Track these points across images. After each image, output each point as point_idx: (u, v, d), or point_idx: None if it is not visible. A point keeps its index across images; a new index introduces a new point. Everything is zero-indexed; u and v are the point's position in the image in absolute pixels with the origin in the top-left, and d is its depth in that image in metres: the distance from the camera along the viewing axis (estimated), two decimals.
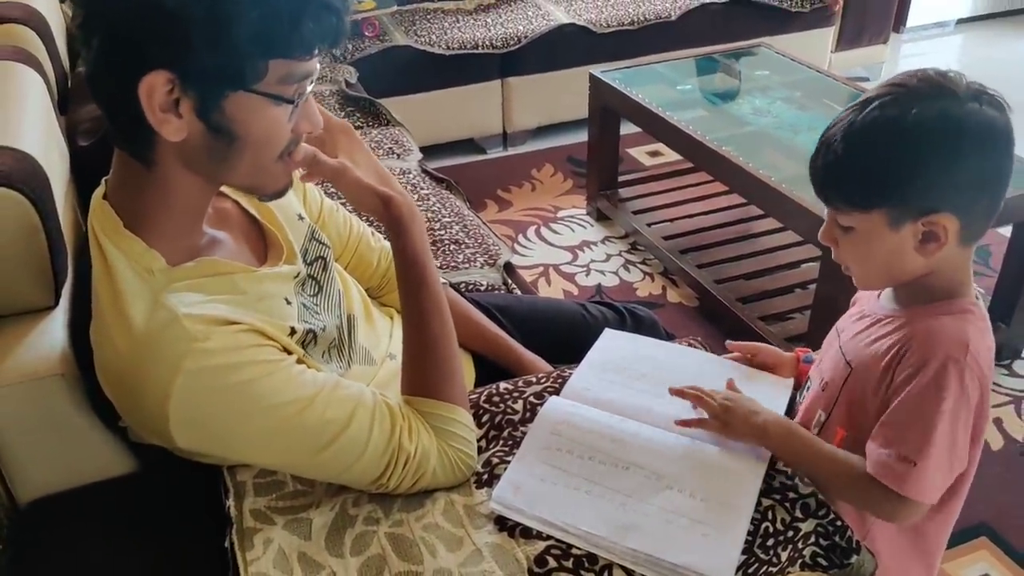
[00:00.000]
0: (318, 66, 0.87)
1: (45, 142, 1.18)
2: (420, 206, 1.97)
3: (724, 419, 1.01)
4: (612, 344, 1.23)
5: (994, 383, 2.02)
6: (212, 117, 0.82)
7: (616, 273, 2.52)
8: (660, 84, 2.61)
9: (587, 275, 2.51)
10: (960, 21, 4.34)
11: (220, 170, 0.87)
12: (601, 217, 2.76)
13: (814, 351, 1.18)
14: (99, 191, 0.92)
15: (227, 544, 0.93)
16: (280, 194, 0.94)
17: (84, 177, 1.36)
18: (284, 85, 0.84)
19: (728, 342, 1.20)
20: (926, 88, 0.87)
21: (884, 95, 0.88)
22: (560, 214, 2.82)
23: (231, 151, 0.85)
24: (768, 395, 1.12)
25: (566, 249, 2.64)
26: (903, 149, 0.86)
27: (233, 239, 0.99)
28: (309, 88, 0.87)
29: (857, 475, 0.95)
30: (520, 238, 2.68)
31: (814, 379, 1.08)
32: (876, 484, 0.93)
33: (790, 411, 1.11)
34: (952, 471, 0.93)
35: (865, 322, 1.01)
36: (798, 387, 1.15)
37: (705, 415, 1.03)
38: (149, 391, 0.84)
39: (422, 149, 2.36)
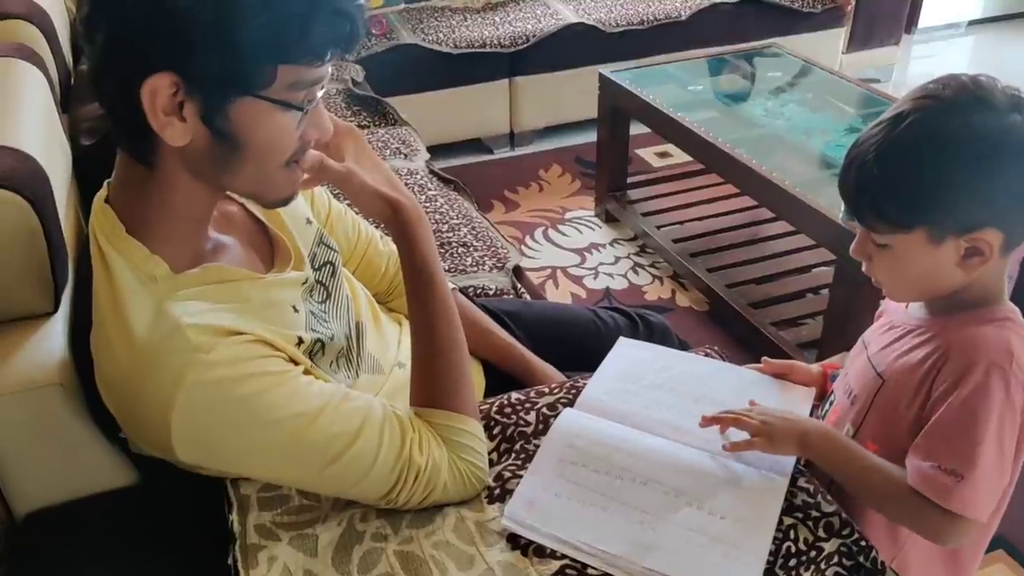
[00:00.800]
0: (330, 71, 0.84)
1: (46, 142, 1.15)
2: (427, 207, 1.94)
3: (767, 433, 0.96)
4: (627, 353, 1.20)
5: None
6: (217, 122, 0.79)
7: (625, 276, 2.49)
8: (670, 84, 2.58)
9: (595, 278, 2.48)
10: (972, 23, 4.30)
11: (223, 176, 0.84)
12: (610, 219, 2.73)
13: (831, 358, 1.15)
14: (101, 194, 0.90)
15: (230, 561, 0.90)
16: (285, 202, 0.91)
17: (86, 177, 1.33)
18: (293, 91, 0.80)
19: (764, 359, 1.17)
20: (963, 100, 0.83)
21: (917, 109, 0.84)
22: (568, 215, 2.79)
23: (235, 158, 0.82)
24: (788, 404, 1.08)
25: (574, 251, 2.60)
26: (944, 167, 0.82)
27: (239, 244, 0.96)
28: (319, 94, 0.84)
29: (901, 487, 0.90)
30: (527, 240, 2.65)
31: (839, 392, 1.04)
32: (921, 498, 0.89)
33: None
34: (1001, 483, 0.89)
35: (895, 333, 0.97)
36: (821, 398, 1.11)
37: (745, 435, 0.98)
38: (151, 403, 0.82)
39: (428, 149, 2.33)
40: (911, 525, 0.94)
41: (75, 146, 1.38)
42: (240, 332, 0.84)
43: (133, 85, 0.76)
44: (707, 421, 1.00)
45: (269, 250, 1.01)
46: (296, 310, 0.94)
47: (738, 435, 0.99)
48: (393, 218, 0.98)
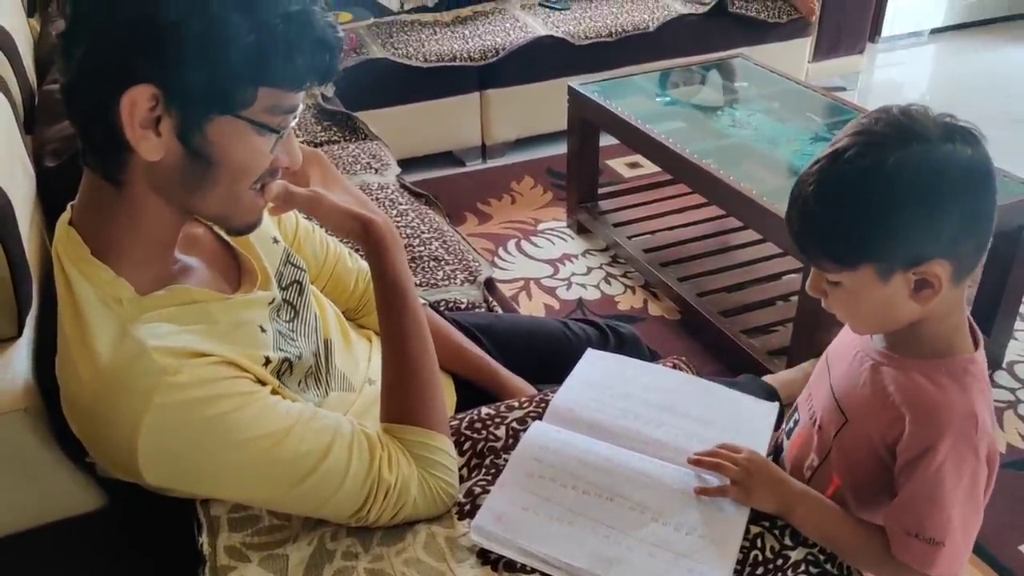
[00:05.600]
0: (301, 103, 0.85)
1: (8, 164, 1.14)
2: (399, 222, 1.94)
3: (746, 485, 0.96)
4: (595, 364, 1.21)
5: None
6: (193, 139, 0.79)
7: (597, 286, 2.50)
8: (638, 96, 2.61)
9: (568, 289, 2.49)
10: (933, 31, 4.38)
11: (192, 197, 0.84)
12: (581, 230, 2.74)
13: (797, 364, 1.14)
14: (64, 216, 0.89)
15: None
16: (250, 228, 0.91)
17: (51, 199, 1.32)
18: (271, 115, 0.81)
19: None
20: (895, 134, 0.82)
21: (852, 145, 0.83)
22: (540, 227, 2.80)
23: (206, 178, 0.82)
24: (751, 419, 1.10)
25: (547, 263, 2.62)
26: (883, 203, 0.81)
27: (205, 265, 0.96)
28: (292, 123, 0.85)
29: (882, 549, 0.90)
30: (500, 251, 2.66)
31: (803, 412, 1.04)
32: (905, 564, 0.89)
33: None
34: (976, 527, 0.90)
35: (858, 361, 0.96)
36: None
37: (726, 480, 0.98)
38: (117, 427, 0.81)
39: (400, 162, 2.33)
40: None
41: (39, 167, 1.37)
42: (206, 354, 0.83)
43: (112, 97, 0.76)
44: (692, 462, 1.00)
45: (235, 271, 1.01)
46: (263, 330, 0.94)
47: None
48: (364, 236, 0.99)
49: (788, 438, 1.07)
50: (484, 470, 1.03)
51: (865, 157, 0.82)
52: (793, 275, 2.35)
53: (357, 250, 1.16)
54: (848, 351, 0.99)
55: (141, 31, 0.74)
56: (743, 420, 1.09)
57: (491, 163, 3.22)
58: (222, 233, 1.01)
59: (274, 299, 0.99)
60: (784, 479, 0.97)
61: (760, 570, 0.92)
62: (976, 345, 0.91)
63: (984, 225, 0.84)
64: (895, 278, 0.85)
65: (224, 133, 0.80)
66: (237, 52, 0.76)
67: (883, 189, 0.81)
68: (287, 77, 0.80)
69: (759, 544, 0.94)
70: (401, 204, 2.04)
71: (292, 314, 1.03)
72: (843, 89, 3.68)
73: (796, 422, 1.06)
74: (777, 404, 1.12)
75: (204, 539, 0.93)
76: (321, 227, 1.23)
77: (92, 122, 0.80)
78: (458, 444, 1.05)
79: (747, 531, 0.94)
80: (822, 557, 0.93)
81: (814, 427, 1.01)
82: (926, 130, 0.82)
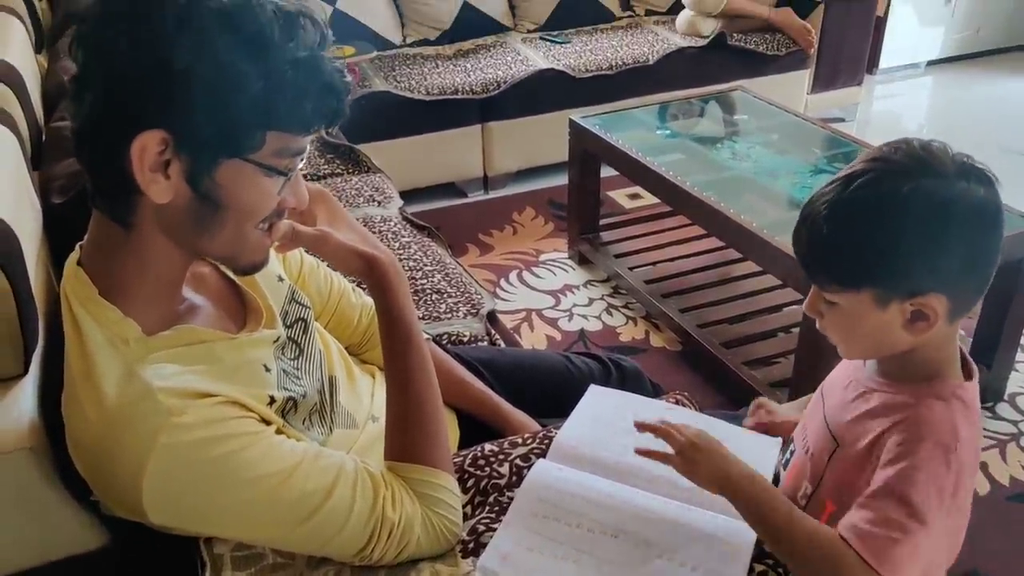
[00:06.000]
0: (309, 145, 0.86)
1: (15, 201, 1.15)
2: (401, 255, 1.96)
3: (690, 457, 0.94)
4: (598, 400, 1.21)
5: None
6: (202, 183, 0.81)
7: (599, 317, 2.51)
8: (639, 128, 2.63)
9: (570, 320, 2.50)
10: (930, 63, 4.42)
11: (200, 239, 0.86)
12: (583, 261, 2.75)
13: (798, 395, 1.15)
14: (73, 257, 0.90)
15: None
16: (257, 268, 0.92)
17: (58, 235, 1.33)
18: (278, 158, 0.83)
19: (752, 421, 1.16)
20: (912, 165, 0.84)
21: (868, 171, 0.85)
22: (542, 258, 2.81)
23: (214, 219, 0.83)
24: (754, 452, 1.10)
25: (548, 293, 2.63)
26: (890, 230, 0.83)
27: (212, 304, 0.97)
28: (300, 165, 0.86)
29: (828, 544, 0.86)
30: (502, 282, 2.67)
31: (798, 443, 1.05)
32: (848, 556, 0.85)
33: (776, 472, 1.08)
34: (936, 554, 0.89)
35: (851, 392, 0.97)
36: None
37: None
38: (122, 467, 0.82)
39: (403, 194, 2.35)
40: None
41: (46, 204, 1.39)
42: (211, 394, 0.84)
43: (122, 141, 0.77)
44: (639, 425, 0.98)
45: (241, 309, 1.01)
46: (268, 369, 0.95)
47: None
48: (369, 273, 1.00)
49: (784, 469, 1.07)
50: (488, 507, 1.03)
51: (882, 183, 0.84)
52: (794, 306, 2.36)
53: (360, 285, 1.17)
54: (842, 381, 1.00)
55: (152, 77, 0.76)
56: (745, 455, 1.09)
57: (493, 194, 3.24)
58: (228, 272, 1.02)
59: (279, 337, 1.00)
60: (733, 460, 0.94)
61: None
62: (968, 377, 0.92)
63: (986, 265, 0.85)
64: (892, 306, 0.86)
65: (232, 176, 0.81)
66: (246, 98, 0.77)
67: (894, 215, 0.83)
68: (295, 122, 0.81)
69: None
70: (404, 237, 2.06)
71: (297, 352, 1.04)
72: (842, 120, 3.72)
73: (792, 453, 1.06)
74: (779, 439, 1.12)
75: None
76: (326, 264, 1.24)
77: (102, 165, 0.81)
78: (461, 481, 1.05)
79: (751, 569, 0.94)
80: None
81: (807, 455, 1.01)
82: (943, 166, 0.84)
